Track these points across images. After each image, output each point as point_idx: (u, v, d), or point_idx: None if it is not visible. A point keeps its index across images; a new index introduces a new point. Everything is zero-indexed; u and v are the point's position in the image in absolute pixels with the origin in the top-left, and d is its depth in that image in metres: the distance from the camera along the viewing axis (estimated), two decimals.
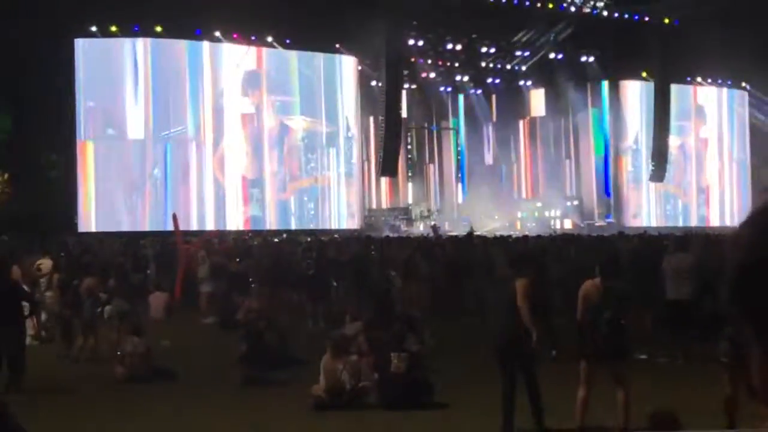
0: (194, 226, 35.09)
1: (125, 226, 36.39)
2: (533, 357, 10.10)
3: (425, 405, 11.45)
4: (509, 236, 34.32)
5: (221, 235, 27.13)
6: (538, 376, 9.96)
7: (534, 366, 10.02)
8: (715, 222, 51.28)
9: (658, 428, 6.39)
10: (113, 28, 37.26)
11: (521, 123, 53.89)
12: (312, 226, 41.35)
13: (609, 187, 50.88)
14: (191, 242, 24.30)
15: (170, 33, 38.18)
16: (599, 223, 48.54)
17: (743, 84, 53.76)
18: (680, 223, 49.27)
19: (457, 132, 54.90)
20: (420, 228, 45.57)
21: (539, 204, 50.77)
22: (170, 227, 27.31)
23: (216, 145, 39.85)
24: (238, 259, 24.00)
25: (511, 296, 9.92)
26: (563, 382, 10.45)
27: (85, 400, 12.12)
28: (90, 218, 36.96)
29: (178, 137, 38.96)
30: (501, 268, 10.68)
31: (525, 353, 9.94)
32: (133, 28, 37.50)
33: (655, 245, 23.04)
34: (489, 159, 55.04)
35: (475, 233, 32.96)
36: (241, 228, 38.55)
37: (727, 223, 50.56)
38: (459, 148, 55.00)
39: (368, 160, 46.60)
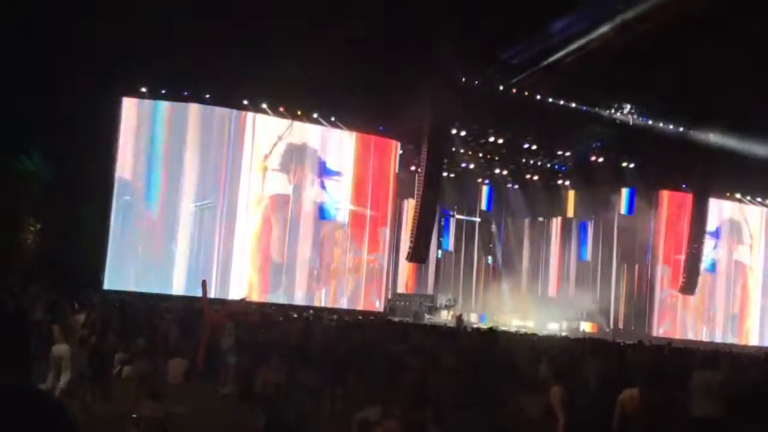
0: (217, 294, 35.04)
1: (147, 288, 36.42)
2: None
3: None
4: (533, 334, 34.02)
5: (246, 305, 26.97)
6: None
7: None
8: (744, 341, 50.48)
9: None
10: (163, 91, 37.83)
11: (555, 222, 53.83)
12: (336, 305, 41.22)
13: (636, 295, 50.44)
14: (218, 311, 24.13)
15: (217, 101, 38.75)
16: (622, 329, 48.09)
17: None
18: (706, 338, 48.59)
19: (489, 225, 54.93)
20: (443, 317, 45.33)
21: (566, 304, 50.39)
22: (191, 293, 27.29)
23: (248, 218, 40.04)
24: (263, 330, 23.86)
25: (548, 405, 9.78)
26: None
27: None
28: (114, 276, 37.03)
29: (213, 207, 39.22)
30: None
31: None
32: (182, 92, 38.09)
33: (683, 359, 22.68)
34: (524, 254, 54.94)
35: (497, 328, 32.70)
36: (266, 300, 38.46)
37: (755, 343, 49.81)
38: (492, 241, 54.96)
39: (397, 243, 46.56)
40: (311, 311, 36.05)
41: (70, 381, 16.33)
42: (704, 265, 49.44)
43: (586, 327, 47.52)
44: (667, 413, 9.76)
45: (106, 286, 35.64)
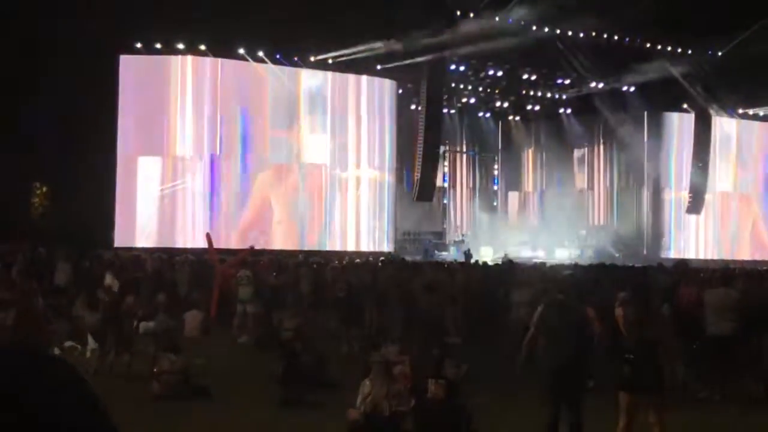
0: (226, 245, 35.15)
1: (159, 242, 36.61)
2: (585, 386, 10.03)
3: None
4: (543, 263, 34.20)
5: (256, 254, 27.12)
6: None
7: (583, 395, 9.90)
8: (756, 257, 50.48)
9: None
10: (158, 45, 37.68)
11: (559, 150, 53.71)
12: (345, 248, 41.36)
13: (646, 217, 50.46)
14: (227, 262, 24.31)
15: (215, 52, 38.64)
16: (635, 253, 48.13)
17: None
18: (718, 256, 48.67)
19: (494, 158, 54.96)
20: (453, 253, 45.55)
21: (575, 232, 50.55)
22: (202, 245, 27.47)
23: (251, 164, 40.06)
24: (274, 273, 24.14)
25: (579, 322, 9.89)
26: (598, 412, 10.36)
27: (121, 415, 12.01)
28: (125, 233, 37.18)
29: (219, 156, 39.26)
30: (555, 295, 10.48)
31: (579, 381, 9.86)
32: (177, 46, 37.99)
33: (695, 278, 22.78)
34: (527, 186, 55.02)
35: (507, 260, 32.95)
36: (274, 247, 38.58)
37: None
38: (496, 174, 55.03)
39: (402, 182, 46.55)
40: (321, 256, 36.20)
41: (95, 348, 16.56)
42: (711, 183, 49.36)
43: (593, 252, 47.56)
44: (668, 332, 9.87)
45: (117, 244, 35.80)
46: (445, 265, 30.68)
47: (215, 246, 26.69)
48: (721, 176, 51.05)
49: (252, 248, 25.96)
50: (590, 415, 10.39)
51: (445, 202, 51.95)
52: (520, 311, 17.47)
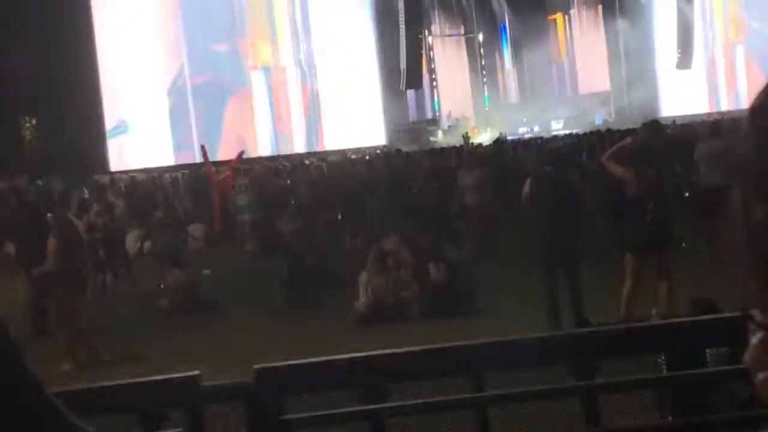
0: (220, 156, 35.08)
1: (156, 162, 36.55)
2: (577, 254, 10.14)
3: (468, 313, 11.50)
4: (539, 138, 34.15)
5: (249, 161, 27.11)
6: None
7: (577, 262, 10.04)
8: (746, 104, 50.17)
9: (698, 315, 6.41)
10: None
11: (543, 22, 53.03)
12: (339, 146, 41.23)
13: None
14: (223, 172, 24.32)
15: None
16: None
17: None
18: (710, 109, 48.36)
19: (479, 38, 54.30)
20: (449, 138, 45.40)
21: (564, 102, 50.30)
22: (199, 159, 27.41)
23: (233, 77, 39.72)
24: (273, 179, 24.20)
25: (568, 193, 9.97)
26: (599, 276, 10.51)
27: (129, 333, 12.19)
28: (120, 156, 37.12)
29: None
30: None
31: (572, 249, 9.99)
32: None
33: (686, 134, 22.80)
34: (508, 63, 54.50)
35: (504, 137, 32.90)
36: (266, 154, 38.46)
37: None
38: (482, 54, 54.44)
39: (389, 73, 46.11)
40: (316, 156, 36.17)
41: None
42: (704, 38, 48.80)
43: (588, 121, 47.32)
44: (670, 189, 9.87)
45: (113, 168, 35.76)
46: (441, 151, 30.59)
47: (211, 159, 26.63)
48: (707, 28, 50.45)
49: (242, 154, 25.88)
50: (594, 280, 10.55)
51: (434, 86, 51.44)
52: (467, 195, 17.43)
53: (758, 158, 0.73)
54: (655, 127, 11.70)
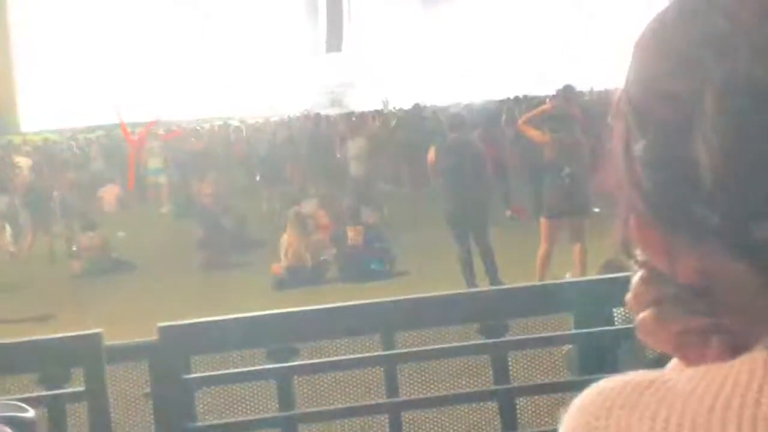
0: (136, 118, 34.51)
1: (68, 123, 35.73)
2: (484, 218, 10.25)
3: (385, 275, 11.54)
4: (457, 103, 34.19)
5: (164, 124, 26.67)
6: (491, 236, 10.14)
7: (487, 228, 10.17)
8: None
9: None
10: None
11: None
12: (259, 111, 40.82)
13: None
14: (137, 133, 23.92)
15: None
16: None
17: None
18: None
19: None
20: (372, 103, 45.24)
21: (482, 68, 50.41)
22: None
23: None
24: (192, 139, 23.92)
25: (473, 158, 10.01)
26: (518, 239, 10.60)
27: (44, 295, 11.97)
28: (33, 116, 36.23)
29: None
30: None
31: (480, 214, 10.09)
32: None
33: (605, 100, 23.06)
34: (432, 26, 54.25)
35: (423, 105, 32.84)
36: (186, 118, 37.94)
37: None
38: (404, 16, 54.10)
39: (313, 38, 45.74)
40: (238, 119, 35.78)
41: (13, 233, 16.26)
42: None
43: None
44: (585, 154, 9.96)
45: (24, 129, 34.93)
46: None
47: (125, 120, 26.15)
48: None
49: (155, 120, 25.48)
50: (509, 243, 10.66)
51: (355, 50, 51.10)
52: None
53: (638, 92, 0.72)
54: (568, 92, 11.84)
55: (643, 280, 0.76)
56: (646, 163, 0.70)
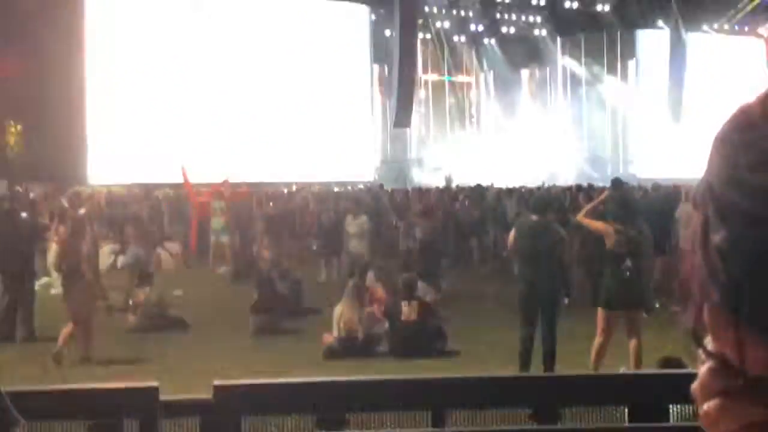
0: (204, 178, 34.96)
1: (137, 178, 36.32)
2: (558, 304, 10.14)
3: (438, 353, 11.46)
4: (521, 187, 34.22)
5: (232, 186, 26.96)
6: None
7: (556, 314, 10.03)
8: None
9: None
10: None
11: (533, 72, 53.49)
12: (325, 179, 41.19)
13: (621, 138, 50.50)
14: (202, 194, 24.25)
15: None
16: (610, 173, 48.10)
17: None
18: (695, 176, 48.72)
19: (471, 83, 54.64)
20: (433, 179, 45.49)
21: (549, 154, 50.52)
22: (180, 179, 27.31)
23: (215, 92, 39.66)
24: (271, 203, 24.20)
25: (553, 243, 9.93)
26: (573, 329, 10.48)
27: (98, 349, 12.05)
28: (101, 169, 36.88)
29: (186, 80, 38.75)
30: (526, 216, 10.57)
31: (553, 301, 9.98)
32: None
33: (669, 195, 22.91)
34: (497, 109, 54.76)
35: (487, 185, 32.96)
36: (252, 180, 38.36)
37: None
38: (472, 99, 54.75)
39: (383, 112, 46.31)
40: (302, 186, 36.11)
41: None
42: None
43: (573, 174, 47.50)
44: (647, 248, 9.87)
45: (91, 182, 35.54)
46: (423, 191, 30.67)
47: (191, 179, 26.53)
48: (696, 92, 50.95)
49: (226, 182, 25.82)
50: (565, 331, 10.52)
51: (422, 129, 51.72)
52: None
53: (720, 183, 0.73)
54: (616, 184, 11.80)
55: (711, 371, 0.76)
56: (725, 254, 0.71)
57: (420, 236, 18.31)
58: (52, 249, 16.99)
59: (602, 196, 10.84)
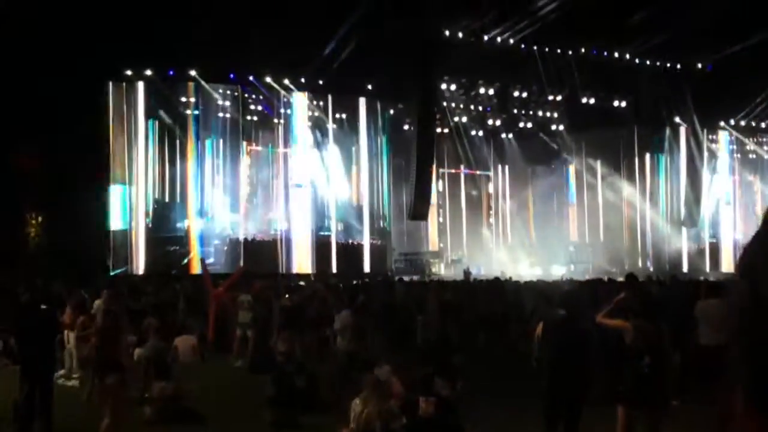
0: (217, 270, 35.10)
1: (155, 268, 36.55)
2: (584, 402, 9.96)
3: None
4: (540, 280, 34.20)
5: (248, 275, 27.03)
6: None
7: (581, 411, 9.84)
8: None
9: None
10: (148, 72, 37.80)
11: (552, 167, 53.87)
12: (340, 270, 41.30)
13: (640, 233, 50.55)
14: (221, 285, 24.28)
15: (205, 77, 38.77)
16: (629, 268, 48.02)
17: None
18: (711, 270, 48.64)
19: (489, 176, 55.03)
20: (452, 271, 45.53)
21: (571, 249, 50.58)
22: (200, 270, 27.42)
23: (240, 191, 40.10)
24: (287, 295, 24.16)
25: (580, 339, 9.78)
26: (593, 428, 10.33)
27: None
28: (124, 259, 37.14)
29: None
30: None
31: (579, 398, 9.79)
32: (168, 73, 38.09)
33: (688, 292, 22.78)
34: (514, 205, 55.04)
35: (504, 277, 32.91)
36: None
37: None
38: (491, 193, 55.09)
39: (398, 204, 46.58)
40: (314, 276, 36.19)
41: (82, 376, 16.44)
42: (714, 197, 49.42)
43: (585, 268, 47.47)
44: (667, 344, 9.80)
45: (114, 272, 35.77)
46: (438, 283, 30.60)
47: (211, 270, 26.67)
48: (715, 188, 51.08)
49: (244, 269, 25.93)
50: (585, 427, 10.39)
51: (440, 221, 51.95)
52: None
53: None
54: (631, 280, 11.75)
55: None
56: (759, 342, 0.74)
57: (438, 329, 18.24)
58: (72, 340, 17.05)
59: (620, 296, 10.75)
